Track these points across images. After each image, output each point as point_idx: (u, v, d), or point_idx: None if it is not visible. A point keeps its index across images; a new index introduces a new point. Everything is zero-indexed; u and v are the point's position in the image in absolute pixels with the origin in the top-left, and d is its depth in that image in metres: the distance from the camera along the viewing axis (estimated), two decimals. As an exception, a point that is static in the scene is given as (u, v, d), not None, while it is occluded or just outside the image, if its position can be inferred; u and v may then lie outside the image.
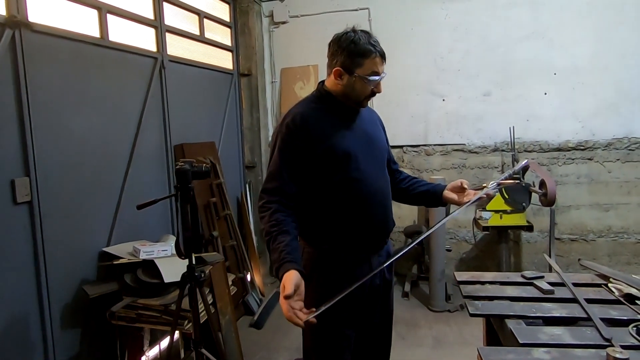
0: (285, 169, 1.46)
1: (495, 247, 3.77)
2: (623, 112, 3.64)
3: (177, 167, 1.81)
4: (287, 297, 1.22)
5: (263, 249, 4.22)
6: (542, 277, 1.72)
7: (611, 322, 1.34)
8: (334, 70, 1.49)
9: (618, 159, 3.67)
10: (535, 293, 1.59)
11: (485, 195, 1.54)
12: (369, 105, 1.75)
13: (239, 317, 3.36)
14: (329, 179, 1.47)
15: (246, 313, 3.46)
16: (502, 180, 1.58)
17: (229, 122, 4.02)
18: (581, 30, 3.67)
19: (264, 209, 1.47)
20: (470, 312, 1.47)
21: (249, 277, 3.65)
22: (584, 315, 1.38)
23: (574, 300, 1.50)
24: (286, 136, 1.47)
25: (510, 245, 3.73)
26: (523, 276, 1.74)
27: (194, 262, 1.89)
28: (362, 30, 1.48)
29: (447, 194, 1.63)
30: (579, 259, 2.03)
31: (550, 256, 3.55)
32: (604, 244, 3.77)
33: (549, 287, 1.58)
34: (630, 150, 3.64)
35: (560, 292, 1.58)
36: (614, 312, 1.40)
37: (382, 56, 1.48)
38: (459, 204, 1.59)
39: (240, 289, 3.44)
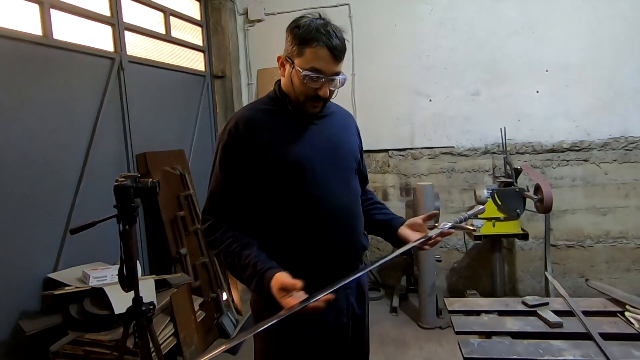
0: (228, 185, 1.22)
1: (488, 256, 3.54)
2: (619, 110, 3.44)
3: (116, 183, 1.53)
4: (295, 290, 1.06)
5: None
6: (547, 304, 1.47)
7: (635, 366, 1.10)
8: (277, 57, 1.24)
9: (615, 160, 3.47)
10: (540, 326, 1.34)
11: (433, 237, 1.24)
12: (346, 108, 1.50)
13: (212, 341, 3.07)
14: (281, 196, 1.21)
15: (221, 336, 3.17)
16: (458, 223, 1.31)
17: (201, 128, 3.73)
18: (572, 25, 3.46)
19: (211, 230, 1.22)
20: (465, 354, 1.21)
21: (224, 296, 3.36)
22: (602, 359, 1.14)
23: (587, 336, 1.26)
24: (227, 145, 1.22)
25: (503, 254, 3.50)
26: (524, 303, 1.50)
27: (140, 294, 1.60)
28: (321, 18, 1.20)
29: (403, 230, 1.32)
30: (587, 280, 1.79)
31: (546, 264, 3.34)
32: (602, 249, 3.56)
33: (556, 319, 1.34)
34: (627, 150, 3.44)
35: (569, 324, 1.34)
36: (638, 353, 1.16)
37: (333, 51, 1.15)
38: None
39: (213, 310, 3.15)
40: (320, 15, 1.21)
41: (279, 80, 1.31)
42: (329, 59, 1.16)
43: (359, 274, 1.18)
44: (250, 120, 1.22)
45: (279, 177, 1.20)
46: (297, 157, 1.20)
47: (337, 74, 1.20)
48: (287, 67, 1.22)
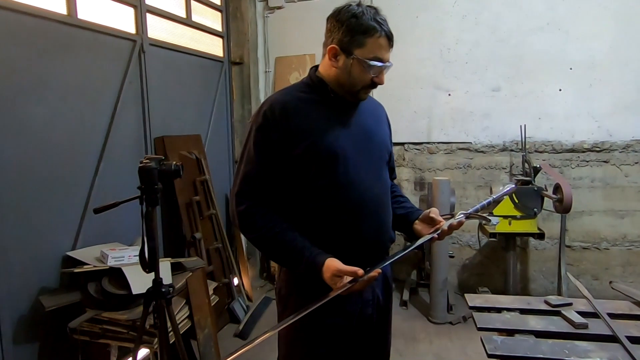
0: (263, 168, 1.21)
1: (501, 254, 3.52)
2: (644, 112, 3.36)
3: (141, 164, 1.53)
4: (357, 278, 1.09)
5: (252, 250, 3.95)
6: (570, 304, 1.46)
7: (664, 372, 1.08)
8: (328, 48, 1.22)
9: (636, 162, 3.40)
10: (565, 326, 1.33)
11: (444, 230, 1.24)
12: (374, 97, 1.50)
13: (223, 325, 3.10)
14: (312, 184, 1.20)
15: (231, 321, 3.20)
16: (472, 212, 1.28)
17: (217, 114, 3.73)
18: (600, 22, 3.38)
19: (247, 215, 1.21)
20: (489, 351, 1.20)
21: (235, 282, 3.38)
22: (630, 362, 1.13)
23: (612, 338, 1.24)
24: (262, 127, 1.21)
25: (517, 252, 3.47)
26: (547, 302, 1.48)
27: (160, 276, 1.61)
28: (368, 5, 1.22)
29: (417, 225, 1.32)
30: (611, 282, 1.77)
31: (560, 265, 3.30)
32: (618, 253, 3.51)
33: (581, 320, 1.32)
34: (650, 153, 3.38)
35: (594, 326, 1.32)
36: (667, 358, 1.14)
37: (389, 39, 1.21)
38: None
39: (225, 295, 3.18)
40: (359, 1, 1.21)
41: (314, 67, 1.30)
42: (387, 47, 1.21)
43: (393, 259, 1.22)
44: (286, 105, 1.21)
45: (311, 164, 1.19)
46: (330, 145, 1.19)
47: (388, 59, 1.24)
48: (343, 57, 1.20)
